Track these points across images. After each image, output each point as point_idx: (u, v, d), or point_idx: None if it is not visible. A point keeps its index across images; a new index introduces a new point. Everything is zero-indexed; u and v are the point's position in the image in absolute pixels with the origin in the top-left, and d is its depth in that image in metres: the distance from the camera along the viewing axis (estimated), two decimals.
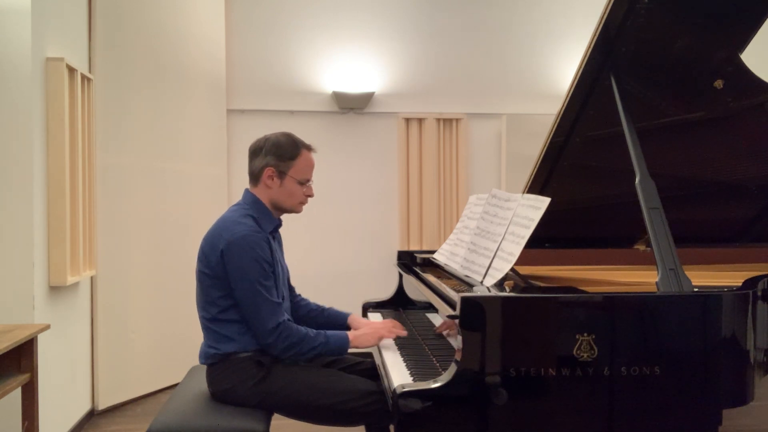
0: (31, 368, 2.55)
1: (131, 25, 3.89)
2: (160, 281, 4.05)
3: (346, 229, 4.85)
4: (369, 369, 2.25)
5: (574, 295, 1.75)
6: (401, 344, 2.19)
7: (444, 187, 4.86)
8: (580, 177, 2.63)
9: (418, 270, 2.69)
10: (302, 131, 4.55)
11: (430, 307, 2.76)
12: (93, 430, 3.51)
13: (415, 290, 2.69)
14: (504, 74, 4.95)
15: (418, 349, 2.13)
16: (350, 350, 2.15)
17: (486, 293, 1.83)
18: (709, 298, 1.74)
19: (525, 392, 1.64)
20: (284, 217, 2.26)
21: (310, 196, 2.23)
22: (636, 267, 2.66)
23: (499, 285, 1.91)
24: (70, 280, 3.13)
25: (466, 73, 4.92)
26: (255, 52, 4.72)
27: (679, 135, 2.46)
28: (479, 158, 4.95)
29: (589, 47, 2.11)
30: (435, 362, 2.01)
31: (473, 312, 1.65)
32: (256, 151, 2.18)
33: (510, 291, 1.87)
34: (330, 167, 4.79)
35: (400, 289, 2.91)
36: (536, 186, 2.60)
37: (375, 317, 2.74)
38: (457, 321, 1.65)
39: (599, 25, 2.05)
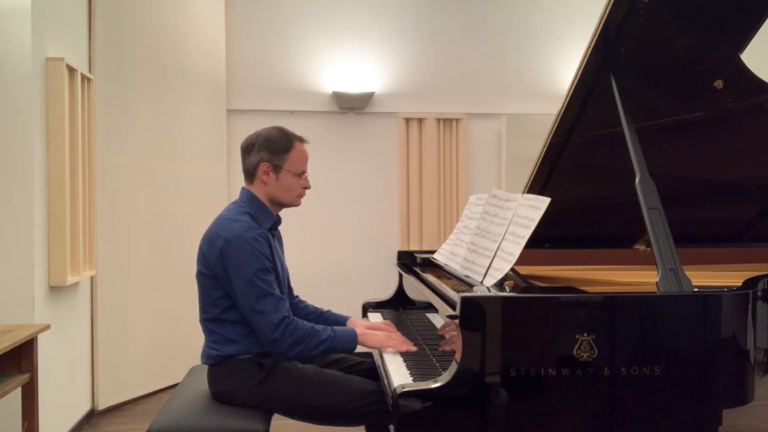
0: (31, 368, 2.55)
1: (131, 25, 3.89)
2: (160, 281, 4.05)
3: (346, 229, 4.85)
4: (369, 369, 2.25)
5: (574, 295, 1.74)
6: None
7: (444, 187, 4.86)
8: (580, 177, 2.63)
9: (418, 270, 2.69)
10: (302, 131, 4.55)
11: (430, 307, 2.76)
12: (93, 430, 3.51)
13: (415, 290, 2.69)
14: (504, 74, 4.95)
15: (419, 349, 2.12)
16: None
17: (486, 293, 1.83)
18: (709, 298, 1.74)
19: (525, 392, 1.64)
20: (284, 216, 2.25)
21: (308, 188, 2.21)
22: (636, 267, 2.66)
23: (499, 285, 1.91)
24: (70, 280, 3.13)
25: (466, 73, 4.92)
26: (255, 52, 4.72)
27: (679, 135, 2.45)
28: (479, 158, 4.95)
29: (589, 47, 2.11)
30: (435, 362, 2.01)
31: (473, 312, 1.65)
32: (248, 148, 2.16)
33: (510, 291, 1.87)
34: (330, 167, 4.79)
35: (400, 289, 2.91)
36: (536, 186, 2.59)
37: (375, 317, 2.74)
38: (456, 321, 1.65)
39: (599, 25, 2.05)
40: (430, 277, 2.39)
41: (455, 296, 1.79)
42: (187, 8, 4.29)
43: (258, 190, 2.16)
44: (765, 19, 2.15)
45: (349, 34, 4.79)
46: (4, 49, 2.85)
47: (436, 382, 1.65)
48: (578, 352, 1.64)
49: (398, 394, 1.64)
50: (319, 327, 2.05)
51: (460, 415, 1.64)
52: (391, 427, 1.70)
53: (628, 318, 1.70)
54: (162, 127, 4.08)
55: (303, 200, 2.23)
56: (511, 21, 4.94)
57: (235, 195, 2.26)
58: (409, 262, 2.95)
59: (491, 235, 2.11)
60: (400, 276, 2.91)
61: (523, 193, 2.51)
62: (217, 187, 4.47)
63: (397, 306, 2.89)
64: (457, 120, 4.85)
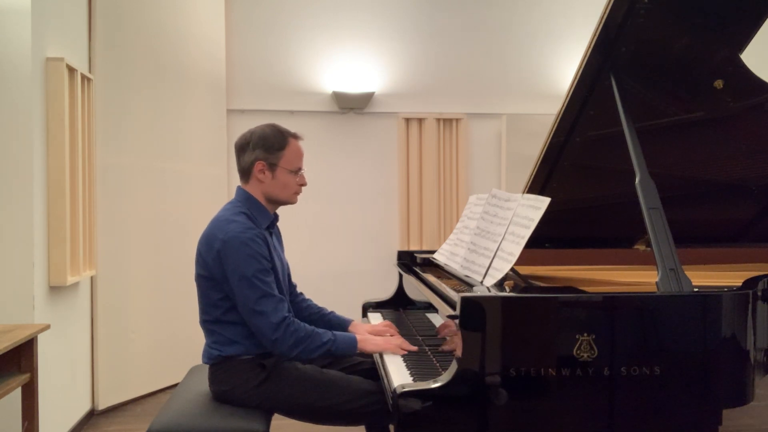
0: (31, 368, 2.55)
1: (131, 25, 3.89)
2: (160, 281, 4.05)
3: (346, 229, 4.85)
4: (369, 369, 2.24)
5: (574, 295, 1.75)
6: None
7: (444, 187, 4.86)
8: (580, 177, 2.63)
9: (418, 270, 2.69)
10: (302, 131, 4.54)
11: (430, 307, 2.76)
12: (93, 430, 3.51)
13: (415, 290, 2.69)
14: (504, 74, 4.95)
15: (419, 349, 2.12)
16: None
17: (486, 293, 1.83)
18: (709, 298, 1.74)
19: (525, 392, 1.64)
20: (284, 216, 2.25)
21: (304, 185, 2.19)
22: (636, 267, 2.66)
23: (499, 285, 1.91)
24: (70, 280, 3.13)
25: (466, 73, 4.92)
26: (255, 52, 4.72)
27: (680, 135, 2.46)
28: (479, 158, 4.95)
29: (589, 47, 2.11)
30: (435, 362, 2.01)
31: (473, 312, 1.65)
32: (243, 147, 2.14)
33: (510, 291, 1.87)
34: (330, 167, 4.79)
35: (400, 289, 2.91)
36: (536, 186, 2.59)
37: (375, 317, 2.74)
38: (456, 321, 1.65)
39: (599, 25, 2.05)
40: (430, 277, 2.39)
41: (455, 296, 1.79)
42: (187, 8, 4.29)
43: (254, 189, 2.15)
44: (765, 19, 2.15)
45: (349, 34, 4.79)
46: (4, 49, 2.85)
47: (436, 382, 1.65)
48: (578, 352, 1.64)
49: (398, 394, 1.64)
50: (320, 330, 2.05)
51: (460, 415, 1.64)
52: (391, 427, 1.70)
53: (628, 318, 1.70)
54: (162, 127, 4.08)
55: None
56: (511, 21, 4.95)
57: None
58: (409, 262, 2.95)
59: (491, 235, 2.11)
60: (400, 276, 2.91)
61: (523, 193, 2.51)
62: (217, 187, 4.47)
63: (397, 306, 2.89)
64: (457, 120, 4.85)
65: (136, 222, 3.91)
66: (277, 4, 4.73)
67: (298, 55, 4.76)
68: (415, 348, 2.10)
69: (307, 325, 2.04)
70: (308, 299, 2.45)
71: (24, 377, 2.51)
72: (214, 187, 4.45)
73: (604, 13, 2.02)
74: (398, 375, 1.88)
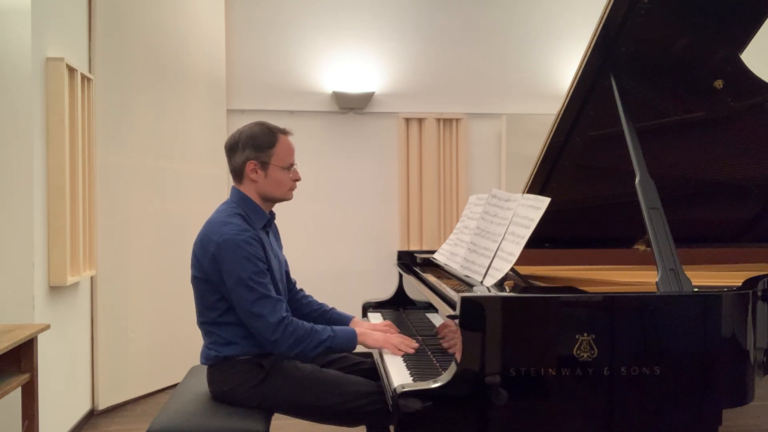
0: (31, 368, 2.55)
1: (131, 25, 3.89)
2: (160, 281, 4.05)
3: (346, 229, 4.85)
4: (369, 369, 2.24)
5: (574, 295, 1.75)
6: None
7: (444, 187, 4.86)
8: (580, 177, 2.63)
9: (418, 270, 2.69)
10: (302, 131, 4.54)
11: (430, 307, 2.76)
12: (93, 430, 3.51)
13: (415, 290, 2.69)
14: (504, 74, 4.95)
15: (418, 349, 2.12)
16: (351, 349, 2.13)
17: (486, 293, 1.83)
18: (709, 298, 1.74)
19: (525, 392, 1.64)
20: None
21: (298, 180, 2.18)
22: (636, 267, 2.66)
23: (499, 285, 1.91)
24: (70, 280, 3.13)
25: (466, 73, 4.92)
26: (255, 52, 4.72)
27: (679, 135, 2.46)
28: (479, 158, 4.95)
29: (589, 47, 2.11)
30: (435, 362, 2.01)
31: (473, 312, 1.65)
32: (233, 147, 2.13)
33: (510, 291, 1.87)
34: (330, 167, 4.79)
35: (400, 289, 2.91)
36: (536, 186, 2.59)
37: (375, 317, 2.74)
38: (456, 321, 1.65)
39: (599, 25, 2.05)
40: (430, 277, 2.39)
41: (455, 296, 1.79)
42: (187, 8, 4.29)
43: (248, 189, 2.13)
44: (765, 19, 2.14)
45: (349, 34, 4.79)
46: (4, 49, 2.85)
47: (436, 382, 1.65)
48: (578, 352, 1.64)
49: (398, 394, 1.64)
50: (318, 327, 2.05)
51: (460, 415, 1.64)
52: (391, 427, 1.70)
53: (628, 318, 1.70)
54: (162, 127, 4.08)
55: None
56: (511, 21, 4.94)
57: None
58: (409, 262, 2.95)
59: (491, 235, 2.11)
60: (400, 276, 2.91)
61: (523, 193, 2.51)
62: (217, 187, 4.47)
63: (397, 306, 2.89)
64: (457, 120, 4.85)
65: (136, 222, 3.91)
66: (277, 4, 4.73)
67: (298, 55, 4.76)
68: (414, 349, 2.10)
69: (305, 323, 2.04)
70: (309, 296, 2.45)
71: (24, 377, 2.51)
72: (214, 187, 4.44)
73: (604, 13, 2.02)
74: (398, 375, 1.88)
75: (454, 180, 4.86)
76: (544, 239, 2.80)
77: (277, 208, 2.26)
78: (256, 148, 2.09)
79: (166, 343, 4.09)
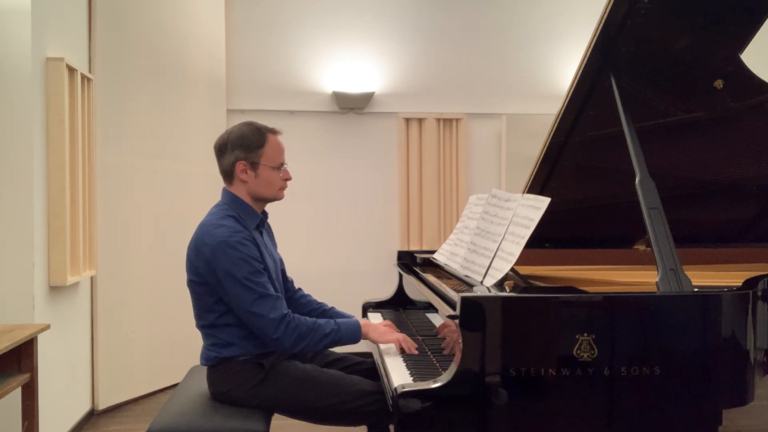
0: (31, 368, 2.55)
1: (131, 25, 3.89)
2: (160, 281, 4.05)
3: (346, 229, 4.85)
4: (369, 369, 2.24)
5: (574, 295, 1.75)
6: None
7: (444, 187, 4.86)
8: (580, 177, 2.63)
9: (418, 270, 2.69)
10: (302, 131, 4.53)
11: (430, 307, 2.76)
12: (93, 430, 3.51)
13: (415, 290, 2.69)
14: (504, 74, 4.95)
15: (418, 349, 2.12)
16: (347, 348, 2.12)
17: (486, 293, 1.83)
18: (709, 298, 1.74)
19: (525, 392, 1.64)
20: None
21: (288, 179, 2.17)
22: (636, 267, 2.66)
23: (499, 285, 1.91)
24: (70, 280, 3.13)
25: (466, 73, 4.92)
26: (255, 52, 4.72)
27: (679, 135, 2.46)
28: (479, 158, 4.95)
29: (589, 47, 2.11)
30: (435, 362, 2.01)
31: (473, 312, 1.65)
32: (222, 148, 2.13)
33: (510, 291, 1.87)
34: (330, 167, 4.79)
35: (400, 289, 2.91)
36: (536, 186, 2.59)
37: (375, 317, 2.74)
38: (456, 321, 1.65)
39: (599, 25, 2.05)
40: (430, 277, 2.39)
41: (455, 296, 1.79)
42: (187, 8, 4.29)
43: (239, 190, 2.13)
44: (765, 19, 2.14)
45: (349, 34, 4.79)
46: (4, 49, 2.85)
47: (436, 382, 1.65)
48: (578, 352, 1.64)
49: (398, 394, 1.64)
50: (321, 321, 2.05)
51: (460, 415, 1.64)
52: (391, 427, 1.70)
53: (628, 318, 1.70)
54: (162, 127, 4.08)
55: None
56: (511, 21, 4.94)
57: None
58: (409, 262, 2.96)
59: (491, 235, 2.11)
60: (400, 276, 2.91)
61: (523, 193, 2.51)
62: (217, 187, 4.39)
63: (397, 306, 2.89)
64: (457, 120, 4.85)
65: (136, 222, 3.91)
66: (277, 4, 4.73)
67: (298, 55, 4.76)
68: (416, 349, 2.10)
69: (308, 319, 2.04)
70: (308, 295, 2.45)
71: (24, 377, 2.51)
72: (213, 187, 4.39)
73: (604, 13, 2.02)
74: (398, 375, 1.88)
75: (454, 180, 4.86)
76: (544, 239, 2.80)
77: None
78: (245, 148, 2.09)
79: (166, 343, 4.09)
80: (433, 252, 2.80)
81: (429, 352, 2.12)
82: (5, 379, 2.43)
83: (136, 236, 3.91)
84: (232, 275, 1.97)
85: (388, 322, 2.36)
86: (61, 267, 3.08)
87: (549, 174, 2.57)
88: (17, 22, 2.85)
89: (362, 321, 2.13)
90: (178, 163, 4.20)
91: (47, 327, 2.64)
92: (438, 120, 4.84)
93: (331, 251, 4.83)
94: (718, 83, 2.26)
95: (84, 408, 3.60)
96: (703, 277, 2.23)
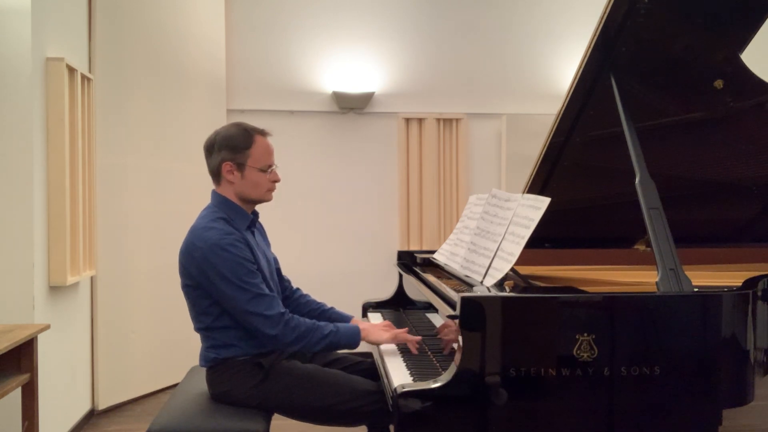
0: (31, 368, 2.55)
1: (131, 25, 3.89)
2: (160, 281, 4.05)
3: (346, 229, 4.85)
4: (369, 369, 2.24)
5: (574, 295, 1.75)
6: (402, 345, 2.18)
7: (444, 187, 4.86)
8: (580, 177, 2.63)
9: (418, 270, 2.69)
10: (302, 131, 4.53)
11: (430, 307, 2.76)
12: (93, 430, 3.51)
13: (415, 290, 2.69)
14: (504, 74, 4.95)
15: (418, 349, 2.12)
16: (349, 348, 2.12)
17: (486, 293, 1.83)
18: (709, 298, 1.74)
19: (525, 392, 1.64)
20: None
21: (276, 181, 2.15)
22: (636, 267, 2.66)
23: (499, 285, 1.91)
24: (70, 280, 3.13)
25: (466, 73, 4.92)
26: (255, 52, 4.72)
27: (680, 135, 2.45)
28: (479, 158, 4.95)
29: (589, 47, 2.11)
30: (435, 362, 2.01)
31: (473, 312, 1.65)
32: (209, 149, 2.12)
33: (510, 291, 1.87)
34: (330, 167, 4.79)
35: (400, 289, 2.91)
36: (536, 186, 2.59)
37: (375, 317, 2.74)
38: (456, 321, 1.65)
39: (599, 25, 2.05)
40: (430, 277, 2.39)
41: (455, 296, 1.79)
42: (187, 8, 4.29)
43: (226, 191, 2.12)
44: (765, 19, 2.14)
45: (349, 34, 4.79)
46: (4, 49, 2.85)
47: (436, 382, 1.65)
48: (578, 352, 1.64)
49: (398, 394, 1.64)
50: (321, 323, 2.04)
51: (460, 415, 1.64)
52: (391, 427, 1.70)
53: (628, 318, 1.70)
54: (162, 127, 4.08)
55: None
56: (511, 21, 4.95)
57: None
58: (409, 262, 2.95)
59: (491, 235, 2.11)
60: (400, 276, 2.91)
61: (523, 193, 2.51)
62: None
63: (397, 306, 2.89)
64: (457, 120, 4.85)
65: (136, 222, 3.91)
66: (277, 4, 4.73)
67: (298, 55, 4.76)
68: (417, 341, 2.10)
69: (307, 320, 2.03)
70: (306, 295, 2.44)
71: (24, 377, 2.50)
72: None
73: (604, 13, 2.02)
74: (398, 375, 1.88)
75: (454, 180, 4.86)
76: (544, 239, 2.79)
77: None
78: (231, 149, 2.08)
79: (166, 343, 4.09)
80: (433, 252, 2.80)
81: (429, 352, 2.12)
82: (5, 379, 2.43)
83: (136, 236, 3.91)
84: (226, 277, 1.96)
85: (387, 322, 2.36)
86: (61, 267, 3.08)
87: (549, 174, 2.57)
88: (17, 22, 2.85)
89: (361, 325, 2.12)
90: (178, 163, 4.19)
91: (47, 327, 2.64)
92: (438, 120, 4.84)
93: (331, 251, 4.83)
94: (718, 83, 2.26)
95: (84, 408, 3.60)
96: (703, 277, 2.23)
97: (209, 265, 1.97)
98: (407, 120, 4.82)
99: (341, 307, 2.44)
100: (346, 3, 4.79)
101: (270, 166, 2.13)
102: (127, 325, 3.87)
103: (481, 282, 1.99)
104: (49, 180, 3.06)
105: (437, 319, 2.62)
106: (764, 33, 2.19)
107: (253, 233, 2.17)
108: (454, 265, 2.34)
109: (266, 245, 2.29)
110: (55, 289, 3.13)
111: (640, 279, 2.33)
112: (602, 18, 2.04)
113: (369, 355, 2.25)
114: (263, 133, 2.13)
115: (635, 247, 2.93)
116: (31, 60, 2.87)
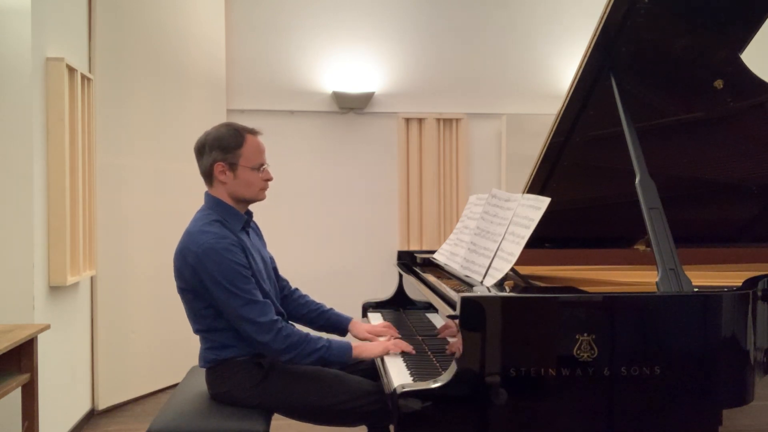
0: (31, 368, 2.55)
1: (131, 25, 3.89)
2: (160, 281, 4.04)
3: (346, 229, 4.85)
4: (369, 369, 2.24)
5: (574, 295, 1.75)
6: None
7: (444, 187, 4.86)
8: (580, 177, 2.63)
9: (418, 270, 2.69)
10: (302, 131, 4.54)
11: (430, 307, 2.76)
12: (93, 430, 3.51)
13: (415, 290, 2.69)
14: (504, 74, 4.95)
15: (418, 349, 2.12)
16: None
17: (486, 293, 1.83)
18: (709, 298, 1.74)
19: (525, 392, 1.64)
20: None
21: (269, 180, 2.14)
22: (636, 267, 2.66)
23: (499, 285, 1.91)
24: (70, 280, 3.13)
25: (466, 73, 4.92)
26: (255, 52, 4.72)
27: (679, 135, 2.46)
28: (479, 158, 4.95)
29: (589, 47, 2.11)
30: (435, 362, 2.01)
31: (473, 312, 1.65)
32: (200, 150, 2.11)
33: (510, 291, 1.87)
34: (330, 167, 4.79)
35: (400, 289, 2.91)
36: (536, 186, 2.59)
37: (375, 317, 2.74)
38: (456, 321, 1.65)
39: (599, 25, 2.05)
40: (430, 277, 2.39)
41: (455, 296, 1.79)
42: (187, 8, 4.29)
43: (219, 192, 2.11)
44: (765, 19, 2.14)
45: (349, 34, 4.79)
46: (4, 49, 2.85)
47: (436, 382, 1.65)
48: (578, 352, 1.64)
49: (398, 394, 1.64)
50: (313, 336, 2.02)
51: (460, 415, 1.64)
52: (392, 427, 1.70)
53: (628, 318, 1.70)
54: (162, 127, 4.08)
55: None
56: (511, 21, 4.94)
57: None
58: (409, 262, 2.96)
59: (491, 235, 2.11)
60: (400, 276, 2.91)
61: (523, 193, 2.51)
62: None
63: (397, 306, 2.89)
64: (457, 120, 4.85)
65: (136, 222, 3.91)
66: (277, 4, 4.73)
67: (298, 55, 4.76)
68: (411, 349, 2.09)
69: (300, 331, 2.02)
70: (306, 295, 2.44)
71: (24, 377, 2.50)
72: None
73: (604, 13, 2.02)
74: (398, 375, 1.88)
75: (454, 180, 4.86)
76: (544, 239, 2.80)
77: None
78: (222, 149, 2.07)
79: (166, 343, 4.09)
80: (433, 252, 2.80)
81: (429, 352, 2.12)
82: (5, 379, 2.43)
83: (135, 236, 3.91)
84: (219, 282, 1.95)
85: (387, 323, 2.36)
86: (61, 267, 3.08)
87: (549, 174, 2.57)
88: (17, 22, 2.85)
89: (353, 343, 2.08)
90: (178, 163, 4.19)
91: (47, 327, 2.64)
92: (438, 120, 4.84)
93: (331, 251, 4.83)
94: (718, 83, 2.26)
95: (84, 408, 3.60)
96: (703, 277, 2.23)
97: (203, 269, 1.97)
98: (407, 120, 4.82)
99: (341, 307, 2.44)
100: (346, 3, 4.78)
101: (262, 164, 2.12)
102: (127, 325, 3.87)
103: (481, 282, 1.99)
104: (49, 180, 3.06)
105: (437, 319, 2.62)
106: (764, 33, 2.19)
107: (247, 233, 2.17)
108: (454, 265, 2.34)
109: (262, 245, 2.29)
110: (55, 289, 3.13)
111: (640, 279, 2.33)
112: (602, 18, 2.04)
113: None
114: (254, 132, 2.13)
115: (635, 247, 2.93)
116: (31, 60, 2.87)
